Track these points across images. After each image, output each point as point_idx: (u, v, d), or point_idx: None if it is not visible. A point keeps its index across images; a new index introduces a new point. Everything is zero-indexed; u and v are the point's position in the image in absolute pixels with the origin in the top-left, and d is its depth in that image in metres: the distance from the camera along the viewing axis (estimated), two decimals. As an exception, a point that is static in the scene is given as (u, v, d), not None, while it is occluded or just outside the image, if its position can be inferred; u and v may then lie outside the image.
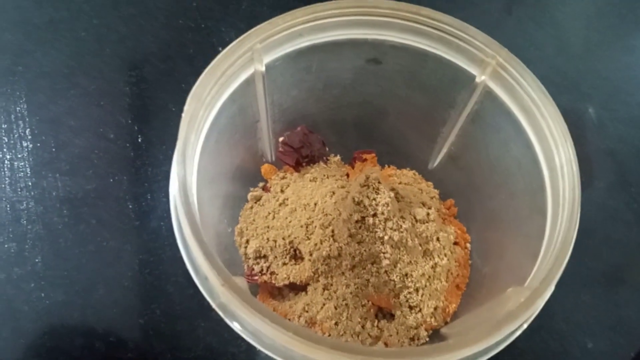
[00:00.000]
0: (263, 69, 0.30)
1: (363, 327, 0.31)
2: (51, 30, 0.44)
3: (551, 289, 0.24)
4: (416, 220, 0.33)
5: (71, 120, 0.40)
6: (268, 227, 0.34)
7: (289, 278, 0.32)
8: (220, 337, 0.34)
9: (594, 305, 0.38)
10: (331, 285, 0.32)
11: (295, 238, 0.32)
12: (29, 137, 0.40)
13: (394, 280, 0.31)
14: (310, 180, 0.35)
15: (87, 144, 0.40)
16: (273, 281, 0.32)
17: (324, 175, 0.36)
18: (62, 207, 0.37)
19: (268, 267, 0.33)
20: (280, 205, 0.34)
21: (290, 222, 0.33)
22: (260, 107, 0.32)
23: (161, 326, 0.34)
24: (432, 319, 0.32)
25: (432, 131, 0.36)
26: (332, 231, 0.31)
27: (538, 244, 0.27)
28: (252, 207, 0.35)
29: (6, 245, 0.36)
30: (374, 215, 0.30)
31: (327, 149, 0.37)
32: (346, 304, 0.31)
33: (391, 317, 0.32)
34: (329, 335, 0.31)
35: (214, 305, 0.24)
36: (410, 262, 0.32)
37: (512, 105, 0.30)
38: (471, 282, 0.34)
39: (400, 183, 0.37)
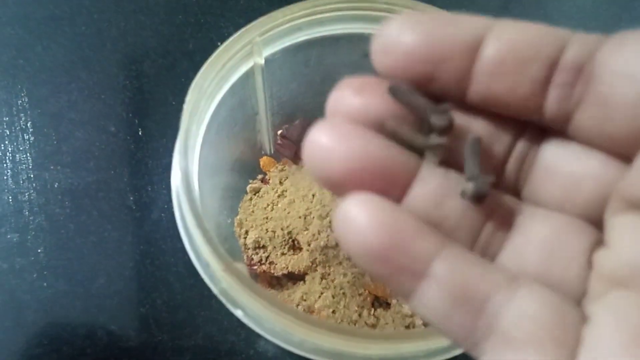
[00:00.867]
0: (262, 62, 0.30)
1: (360, 315, 0.32)
2: (52, 25, 0.44)
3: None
4: (412, 211, 0.33)
5: (72, 113, 0.41)
6: (267, 218, 0.34)
7: (287, 268, 0.33)
8: (220, 325, 0.35)
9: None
10: (329, 274, 0.32)
11: (293, 229, 0.33)
12: (31, 129, 0.40)
13: (390, 270, 0.32)
14: (308, 172, 0.36)
15: (88, 137, 0.40)
16: (272, 271, 0.33)
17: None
18: (64, 199, 0.38)
19: (267, 257, 0.33)
20: (279, 196, 0.35)
21: (288, 213, 0.34)
22: (259, 100, 0.33)
23: (162, 315, 0.35)
24: (428, 308, 0.32)
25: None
26: (330, 222, 0.32)
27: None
28: (251, 199, 0.36)
29: (8, 236, 0.36)
30: (371, 206, 0.31)
31: (324, 142, 0.38)
32: (343, 293, 0.32)
33: (387, 305, 0.33)
34: (327, 323, 0.31)
35: (215, 291, 0.24)
36: (406, 251, 0.32)
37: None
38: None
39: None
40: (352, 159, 0.13)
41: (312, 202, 0.33)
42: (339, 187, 0.14)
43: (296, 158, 0.37)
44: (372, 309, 0.33)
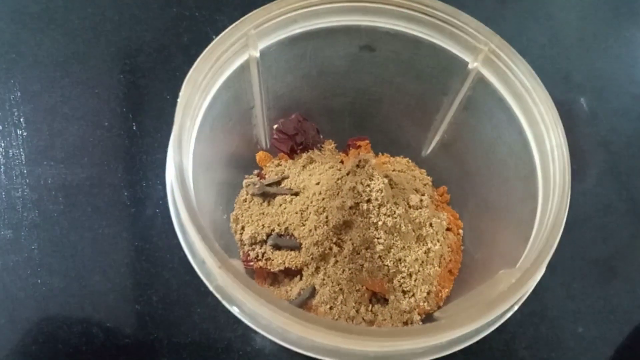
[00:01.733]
0: (257, 54, 0.30)
1: (357, 311, 0.32)
2: (46, 19, 0.44)
3: (542, 270, 0.24)
4: (410, 207, 0.33)
5: (66, 108, 0.40)
6: (263, 213, 0.34)
7: (284, 263, 0.32)
8: (217, 322, 0.34)
9: (585, 293, 0.38)
10: (326, 270, 0.32)
11: (290, 224, 0.33)
12: (24, 125, 0.40)
13: (387, 266, 0.31)
14: (305, 167, 0.36)
15: (82, 132, 0.40)
16: (268, 267, 0.33)
17: (319, 162, 0.36)
18: (58, 195, 0.37)
19: (263, 253, 0.33)
20: (275, 192, 0.35)
21: (285, 208, 0.33)
22: (254, 94, 0.33)
23: (158, 312, 0.35)
24: (425, 304, 0.32)
25: (425, 118, 0.36)
26: (327, 217, 0.31)
27: (529, 228, 0.28)
28: (247, 194, 0.36)
29: (2, 233, 0.36)
30: (368, 201, 0.31)
31: (321, 136, 0.38)
32: (341, 289, 0.32)
33: (385, 301, 0.33)
34: (324, 319, 0.31)
35: (211, 288, 0.24)
36: (404, 247, 0.32)
37: (504, 92, 0.30)
38: (464, 267, 0.35)
39: (394, 170, 0.37)
40: None
41: (308, 197, 0.33)
42: None
43: (292, 152, 0.37)
44: (370, 305, 0.32)
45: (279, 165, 0.37)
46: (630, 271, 0.39)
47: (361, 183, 0.31)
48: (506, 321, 0.25)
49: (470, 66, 0.31)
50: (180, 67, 0.43)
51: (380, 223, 0.31)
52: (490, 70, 0.30)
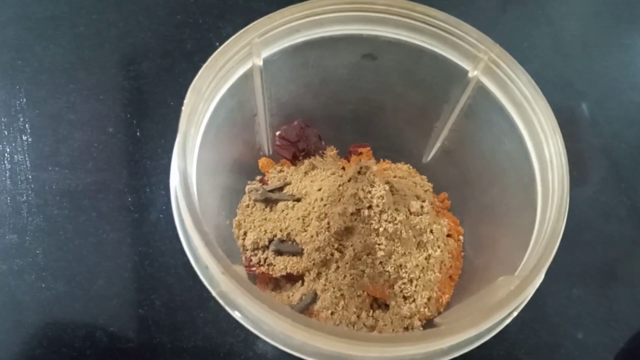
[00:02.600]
0: (261, 63, 0.30)
1: (358, 316, 0.32)
2: (51, 26, 0.44)
3: (541, 277, 0.25)
4: (410, 213, 0.33)
5: (71, 114, 0.41)
6: (265, 219, 0.34)
7: (286, 269, 0.33)
8: (219, 327, 0.35)
9: (585, 299, 0.38)
10: (327, 276, 0.32)
11: (292, 230, 0.33)
12: (29, 130, 0.40)
13: (388, 271, 0.32)
14: (307, 174, 0.36)
15: (87, 138, 0.40)
16: (271, 272, 0.33)
17: (320, 169, 0.36)
18: (63, 200, 0.38)
19: (266, 259, 0.33)
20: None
21: (287, 214, 0.34)
22: (258, 101, 0.33)
23: (161, 317, 0.35)
24: (426, 309, 0.32)
25: (426, 126, 0.37)
26: (328, 223, 0.32)
27: (528, 235, 0.28)
28: (249, 200, 0.36)
29: (7, 237, 0.36)
30: (369, 207, 0.31)
31: (323, 143, 0.38)
32: (342, 294, 0.32)
33: (386, 307, 0.33)
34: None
35: (214, 294, 0.24)
36: (405, 253, 0.32)
37: (503, 100, 0.30)
38: (464, 273, 0.35)
39: (395, 177, 0.38)
40: None
41: (310, 203, 0.33)
42: None
43: (294, 159, 0.37)
44: (371, 311, 0.33)
45: (281, 171, 0.37)
46: (630, 277, 0.40)
47: (362, 189, 0.31)
48: (507, 327, 0.26)
49: (470, 75, 0.31)
50: (184, 74, 0.43)
51: (381, 229, 0.31)
52: (491, 79, 0.31)
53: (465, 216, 0.37)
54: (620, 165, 0.44)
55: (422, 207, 0.34)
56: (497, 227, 0.33)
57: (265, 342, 0.34)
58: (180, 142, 0.25)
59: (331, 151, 0.38)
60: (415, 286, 0.32)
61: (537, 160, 0.29)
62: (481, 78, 0.31)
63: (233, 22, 0.46)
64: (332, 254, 0.32)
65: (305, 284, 0.33)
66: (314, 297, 0.32)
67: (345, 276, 0.32)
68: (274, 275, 0.33)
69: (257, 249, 0.34)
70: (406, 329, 0.32)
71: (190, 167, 0.26)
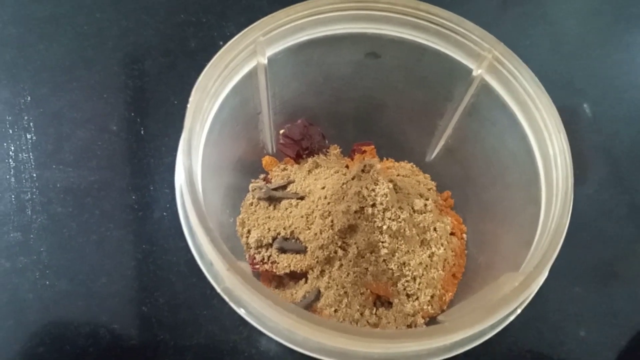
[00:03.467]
0: (265, 61, 0.30)
1: (362, 314, 0.32)
2: (53, 24, 0.44)
3: (544, 274, 0.25)
4: (414, 211, 0.34)
5: (74, 112, 0.41)
6: (269, 217, 0.34)
7: (289, 267, 0.33)
8: (222, 324, 0.35)
9: (587, 297, 0.39)
10: (331, 273, 0.32)
11: (295, 228, 0.33)
12: (33, 129, 0.40)
13: (392, 269, 0.32)
14: (310, 172, 0.36)
15: (90, 136, 0.40)
16: (274, 270, 0.33)
17: (324, 167, 0.36)
18: (66, 198, 0.38)
19: (269, 256, 0.33)
20: (281, 196, 0.35)
21: (290, 212, 0.34)
22: (262, 99, 0.33)
23: (164, 314, 0.35)
24: (429, 307, 0.33)
25: (429, 124, 0.37)
26: (332, 221, 0.32)
27: (532, 233, 0.28)
28: (253, 198, 0.36)
29: (11, 235, 0.37)
30: (373, 205, 0.31)
31: (326, 141, 0.38)
32: (345, 292, 0.32)
33: (389, 304, 0.33)
34: (329, 322, 0.31)
35: (218, 290, 0.24)
36: (408, 251, 0.32)
37: (507, 98, 0.30)
38: (467, 271, 0.35)
39: (398, 175, 0.38)
40: None
41: (314, 201, 0.33)
42: None
43: (298, 157, 0.37)
44: (374, 308, 0.33)
45: (284, 169, 0.37)
46: (632, 275, 0.40)
47: (366, 188, 0.31)
48: (509, 325, 0.26)
49: (474, 73, 0.31)
50: (187, 72, 0.43)
51: (384, 227, 0.31)
52: (494, 77, 0.31)
53: (469, 214, 0.37)
54: (620, 164, 0.44)
55: (425, 205, 0.34)
56: (500, 225, 0.33)
57: (268, 339, 0.34)
58: (186, 139, 0.25)
59: (334, 149, 0.38)
60: (419, 284, 0.32)
61: (540, 158, 0.29)
62: (485, 76, 0.31)
63: (235, 20, 0.46)
64: (335, 252, 0.32)
65: (309, 281, 0.33)
66: (318, 295, 0.32)
67: (348, 274, 0.32)
68: (277, 273, 0.33)
69: (261, 246, 0.34)
70: (409, 326, 0.32)
71: (195, 164, 0.26)
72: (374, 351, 0.23)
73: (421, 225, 0.33)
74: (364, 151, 0.38)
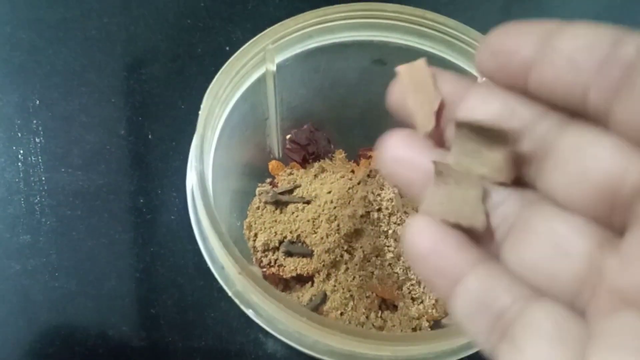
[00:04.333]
0: (274, 68, 0.31)
1: (367, 317, 0.33)
2: (63, 29, 0.45)
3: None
4: (419, 215, 0.34)
5: (83, 116, 0.41)
6: (276, 221, 0.35)
7: (296, 270, 0.33)
8: (230, 326, 0.35)
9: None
10: (337, 277, 0.33)
11: (302, 232, 0.34)
12: (42, 132, 0.41)
13: (397, 273, 0.32)
14: (316, 176, 0.37)
15: (99, 140, 0.41)
16: (281, 273, 0.34)
17: (330, 172, 0.37)
18: (75, 201, 0.38)
19: (276, 260, 0.34)
20: (287, 200, 0.36)
21: (297, 216, 0.34)
22: (270, 105, 0.34)
23: (172, 316, 0.35)
24: (434, 310, 0.33)
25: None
26: (338, 225, 0.32)
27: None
28: (260, 202, 0.37)
29: (21, 238, 0.37)
30: (379, 210, 0.32)
31: (332, 146, 0.39)
32: (351, 295, 0.32)
33: (394, 308, 0.34)
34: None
35: (230, 293, 0.25)
36: (413, 255, 0.33)
37: (512, 106, 0.31)
38: (471, 275, 0.35)
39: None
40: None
41: (320, 205, 0.34)
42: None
43: (304, 162, 0.38)
44: (380, 311, 0.33)
45: (291, 174, 0.38)
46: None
47: (372, 192, 0.32)
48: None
49: (479, 80, 0.32)
50: (195, 77, 0.44)
51: (390, 231, 0.32)
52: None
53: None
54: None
55: (430, 209, 0.34)
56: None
57: (275, 341, 0.35)
58: (198, 144, 0.26)
59: (340, 154, 0.39)
60: (424, 287, 0.33)
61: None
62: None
63: (242, 26, 0.47)
64: (341, 256, 0.33)
65: (315, 284, 0.33)
66: (324, 298, 0.33)
67: (354, 277, 0.32)
68: (284, 276, 0.34)
69: (268, 250, 0.34)
70: (414, 329, 0.33)
71: (206, 168, 0.26)
72: (382, 354, 0.23)
73: (426, 229, 0.34)
74: (370, 156, 0.39)
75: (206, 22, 0.47)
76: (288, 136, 0.37)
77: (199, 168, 0.25)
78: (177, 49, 0.45)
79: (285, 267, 0.34)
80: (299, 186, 0.36)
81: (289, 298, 0.33)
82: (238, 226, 0.35)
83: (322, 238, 0.33)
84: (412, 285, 0.33)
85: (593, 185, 0.14)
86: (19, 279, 0.36)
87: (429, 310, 0.33)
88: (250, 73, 0.30)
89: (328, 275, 0.33)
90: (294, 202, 0.35)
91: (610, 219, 0.14)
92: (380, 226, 0.32)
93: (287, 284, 0.35)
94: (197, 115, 0.28)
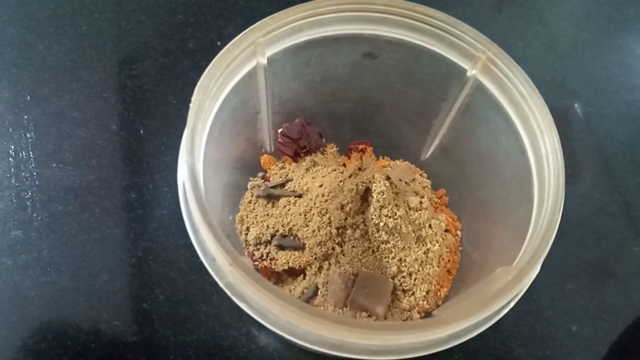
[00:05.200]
0: (265, 62, 0.31)
1: (359, 309, 0.33)
2: (54, 24, 0.45)
3: (537, 268, 0.26)
4: (410, 208, 0.34)
5: (74, 112, 0.41)
6: (268, 215, 0.35)
7: (288, 263, 0.33)
8: (222, 320, 0.35)
9: (579, 293, 0.39)
10: (328, 269, 0.33)
11: (294, 225, 0.34)
12: (33, 128, 0.41)
13: (388, 265, 0.32)
14: (308, 170, 0.37)
15: (90, 135, 0.41)
16: (273, 266, 0.34)
17: (321, 165, 0.37)
18: (67, 196, 0.38)
19: (268, 253, 0.34)
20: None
21: (289, 210, 0.35)
22: (261, 99, 0.34)
23: (164, 311, 0.35)
24: (425, 302, 0.33)
25: (424, 124, 0.37)
26: (329, 218, 0.33)
27: (525, 229, 0.29)
28: (252, 196, 0.37)
29: (12, 233, 0.37)
30: (370, 202, 0.32)
31: (324, 140, 0.39)
32: (343, 288, 0.33)
33: (386, 300, 0.34)
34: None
35: (221, 284, 0.25)
36: (404, 247, 0.33)
37: (501, 98, 0.31)
38: (461, 267, 0.36)
39: (394, 173, 0.38)
40: None
41: (311, 199, 0.34)
42: None
43: (296, 156, 0.38)
44: (371, 304, 0.33)
45: (283, 168, 0.38)
46: (622, 272, 0.41)
47: (362, 185, 0.32)
48: (503, 319, 0.26)
49: (468, 74, 0.32)
50: (186, 72, 0.44)
51: (381, 224, 0.32)
52: (488, 77, 0.32)
53: (463, 212, 0.38)
54: (612, 163, 0.45)
55: (420, 202, 0.35)
56: (493, 222, 0.34)
57: (267, 334, 0.35)
58: (189, 138, 0.26)
59: (332, 148, 0.39)
60: (415, 280, 0.33)
61: (533, 156, 0.30)
62: (479, 77, 0.32)
63: (233, 21, 0.47)
64: (333, 249, 0.33)
65: (307, 277, 0.33)
66: (316, 291, 0.33)
67: (346, 270, 0.32)
68: (276, 270, 0.34)
69: (260, 244, 0.34)
70: (405, 321, 0.33)
71: (197, 162, 0.26)
72: (372, 343, 0.23)
73: (417, 222, 0.34)
74: (361, 150, 0.39)
75: (198, 18, 0.47)
76: (279, 130, 0.37)
77: (190, 162, 0.25)
78: (168, 45, 0.45)
79: (277, 260, 0.34)
80: (291, 180, 0.36)
81: (279, 289, 0.33)
82: (230, 220, 0.36)
83: (313, 231, 0.33)
84: (403, 277, 0.33)
85: None
86: (10, 274, 0.36)
87: (420, 302, 0.33)
88: (241, 66, 0.30)
89: (320, 268, 0.33)
90: (286, 196, 0.35)
91: None
92: (372, 219, 0.32)
93: (279, 278, 0.35)
94: (188, 110, 0.28)
